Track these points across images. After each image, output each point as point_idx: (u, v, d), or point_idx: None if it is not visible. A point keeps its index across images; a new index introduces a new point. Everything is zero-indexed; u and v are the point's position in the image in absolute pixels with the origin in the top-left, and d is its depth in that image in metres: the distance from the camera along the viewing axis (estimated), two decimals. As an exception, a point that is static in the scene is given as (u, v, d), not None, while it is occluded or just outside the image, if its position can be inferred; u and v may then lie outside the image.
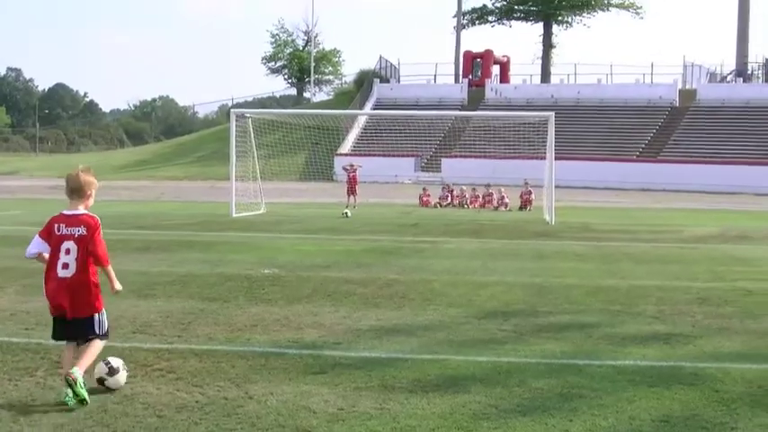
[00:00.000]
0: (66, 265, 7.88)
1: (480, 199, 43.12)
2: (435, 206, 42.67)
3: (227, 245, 21.93)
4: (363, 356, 9.65)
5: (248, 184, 35.95)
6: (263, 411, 7.60)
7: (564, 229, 27.83)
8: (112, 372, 8.19)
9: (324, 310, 12.49)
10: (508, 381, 8.69)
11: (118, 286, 8.17)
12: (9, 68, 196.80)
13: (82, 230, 7.90)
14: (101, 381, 8.16)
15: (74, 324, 7.98)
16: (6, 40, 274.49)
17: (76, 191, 8.02)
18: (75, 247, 7.87)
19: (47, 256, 8.01)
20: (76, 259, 7.86)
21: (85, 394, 7.63)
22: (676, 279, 16.50)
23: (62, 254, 7.88)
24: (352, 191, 39.91)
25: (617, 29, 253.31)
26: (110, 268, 8.09)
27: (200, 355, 9.57)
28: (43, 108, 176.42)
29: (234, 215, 31.86)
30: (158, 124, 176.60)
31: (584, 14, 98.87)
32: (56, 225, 7.96)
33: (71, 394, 7.62)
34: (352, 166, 41.77)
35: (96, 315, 8.04)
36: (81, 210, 8.02)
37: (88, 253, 7.89)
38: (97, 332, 8.07)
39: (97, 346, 8.08)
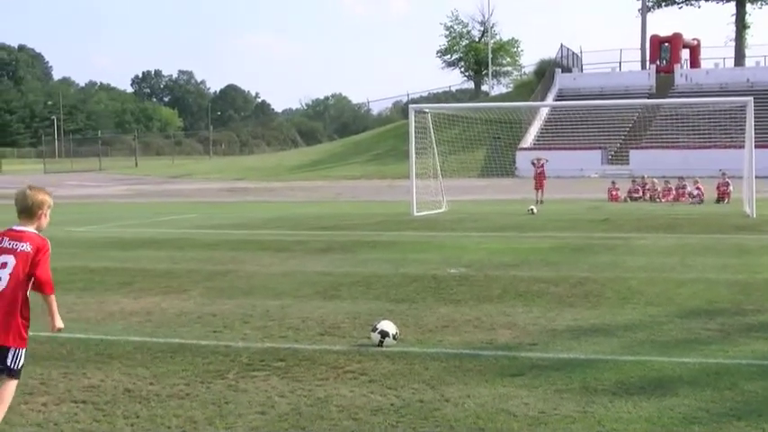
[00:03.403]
0: None
1: (673, 192, 42.26)
2: (625, 200, 42.10)
3: (410, 244, 22.11)
4: (561, 358, 9.59)
5: (428, 181, 36.14)
6: (461, 414, 7.64)
7: (766, 223, 27.03)
8: (384, 334, 10.10)
9: (516, 311, 12.48)
10: (718, 383, 8.50)
11: (59, 324, 7.31)
12: (180, 71, 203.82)
13: (26, 247, 7.12)
14: (380, 344, 10.09)
15: None
16: (178, 44, 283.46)
17: (25, 211, 7.35)
18: (14, 261, 7.07)
19: None
20: (10, 274, 7.04)
21: None
22: None
23: None
24: (539, 185, 39.89)
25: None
26: (53, 299, 7.26)
27: (391, 357, 9.67)
28: (215, 110, 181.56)
29: (415, 214, 32.11)
30: (331, 123, 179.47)
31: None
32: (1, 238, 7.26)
33: None
34: (539, 160, 41.69)
35: (13, 349, 7.06)
36: (30, 229, 7.29)
37: (28, 274, 7.10)
38: (9, 365, 7.07)
39: (10, 390, 7.21)
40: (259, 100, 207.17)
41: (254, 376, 8.97)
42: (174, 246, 22.45)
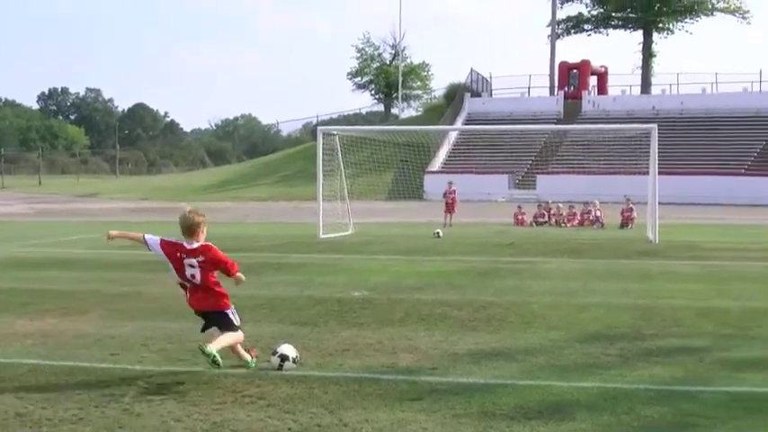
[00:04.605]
0: (193, 276, 10.19)
1: (578, 217, 42.79)
2: (531, 225, 42.45)
3: (315, 267, 22.05)
4: (461, 382, 9.61)
5: (335, 203, 36.08)
6: (359, 439, 7.60)
7: (669, 248, 27.45)
8: (284, 358, 10.28)
9: (418, 334, 12.48)
10: (615, 408, 8.58)
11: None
12: (88, 89, 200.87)
13: (200, 258, 10.10)
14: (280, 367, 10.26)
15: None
16: (85, 61, 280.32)
17: (187, 229, 10.23)
18: (199, 269, 10.13)
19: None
20: (200, 276, 10.17)
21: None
22: (793, 300, 16.18)
23: (186, 270, 10.18)
24: (450, 209, 40.29)
25: (722, 35, 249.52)
26: (239, 276, 10.66)
27: (291, 381, 9.62)
28: (123, 129, 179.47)
29: (321, 236, 32.02)
30: (241, 143, 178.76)
31: (686, 21, 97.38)
32: (178, 253, 10.19)
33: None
34: (450, 184, 42.01)
35: (228, 311, 10.39)
36: (195, 244, 10.18)
37: (211, 272, 10.27)
38: (233, 322, 10.34)
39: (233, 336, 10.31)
40: (168, 119, 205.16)
41: (150, 400, 8.85)
42: (77, 266, 22.14)
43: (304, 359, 10.47)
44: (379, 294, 16.69)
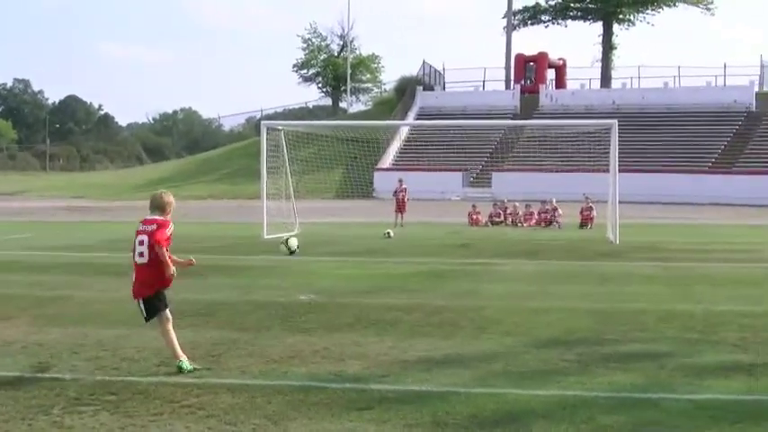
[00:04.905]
0: (141, 254, 10.63)
1: (536, 216, 42.92)
2: (486, 224, 42.52)
3: (259, 269, 21.97)
4: (413, 390, 9.61)
5: (280, 202, 35.98)
6: (304, 451, 7.57)
7: (630, 249, 27.62)
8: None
9: (368, 340, 12.47)
10: (574, 416, 8.61)
11: (171, 270, 10.73)
12: (16, 80, 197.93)
13: (153, 227, 10.64)
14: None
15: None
16: (13, 50, 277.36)
17: (158, 207, 10.97)
18: (147, 239, 10.57)
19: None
20: (148, 248, 10.56)
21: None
22: (758, 304, 16.29)
23: (137, 245, 10.66)
24: (400, 209, 40.22)
25: (685, 27, 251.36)
26: (163, 251, 10.54)
27: (232, 390, 9.57)
28: (54, 122, 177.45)
29: (265, 237, 31.91)
30: (180, 139, 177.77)
31: (647, 12, 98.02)
32: (140, 225, 10.82)
33: None
34: (401, 182, 42.00)
35: (152, 296, 10.84)
36: (160, 217, 10.84)
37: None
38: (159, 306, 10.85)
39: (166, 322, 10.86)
40: (102, 112, 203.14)
41: (81, 411, 8.77)
42: (1, 269, 21.88)
43: (246, 367, 10.43)
44: (326, 298, 16.66)
